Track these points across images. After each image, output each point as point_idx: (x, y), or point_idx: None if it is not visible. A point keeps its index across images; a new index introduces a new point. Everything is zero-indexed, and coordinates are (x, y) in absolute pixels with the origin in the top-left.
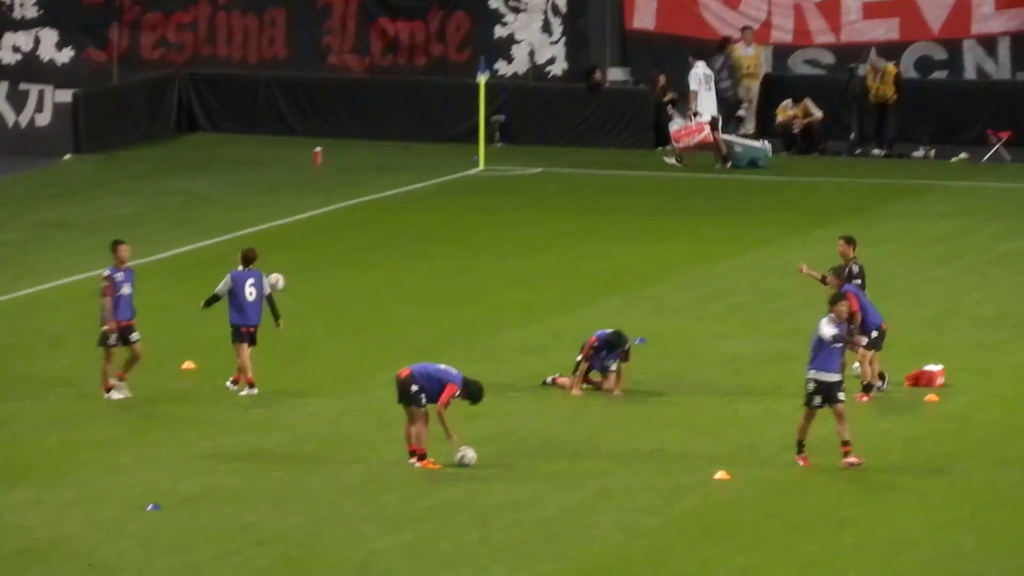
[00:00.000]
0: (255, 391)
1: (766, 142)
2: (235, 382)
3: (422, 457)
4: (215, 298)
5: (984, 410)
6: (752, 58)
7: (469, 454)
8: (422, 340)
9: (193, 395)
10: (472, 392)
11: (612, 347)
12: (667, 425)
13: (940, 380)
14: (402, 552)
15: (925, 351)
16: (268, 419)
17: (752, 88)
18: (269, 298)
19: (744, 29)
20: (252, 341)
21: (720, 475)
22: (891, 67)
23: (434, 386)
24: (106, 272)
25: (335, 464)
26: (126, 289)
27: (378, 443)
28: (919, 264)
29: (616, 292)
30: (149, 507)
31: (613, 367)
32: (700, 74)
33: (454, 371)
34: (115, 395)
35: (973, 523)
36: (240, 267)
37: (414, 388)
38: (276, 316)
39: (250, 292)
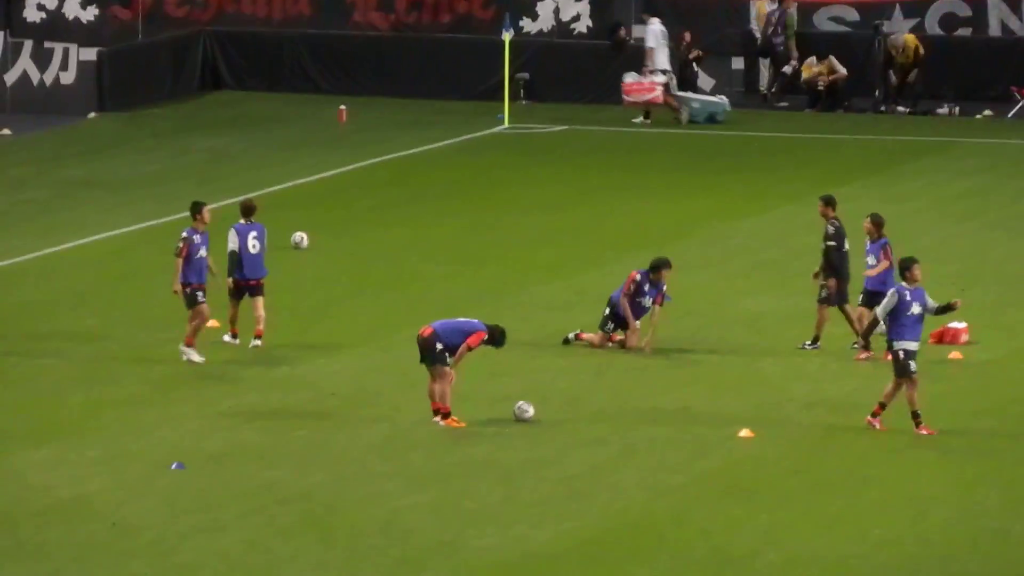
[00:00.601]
0: (236, 341)
1: (723, 96)
2: (257, 336)
3: (446, 415)
4: (234, 255)
5: (1007, 367)
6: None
7: (528, 409)
8: (447, 297)
9: (217, 353)
10: (495, 337)
11: (656, 269)
12: (691, 383)
13: (964, 337)
14: (426, 510)
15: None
16: (292, 377)
17: None
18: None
19: None
20: (258, 292)
21: (744, 433)
22: (910, 39)
23: (459, 340)
24: (184, 233)
25: (359, 422)
26: (203, 251)
27: (402, 401)
28: (943, 220)
29: (641, 249)
30: (173, 465)
31: (645, 308)
32: (657, 30)
33: (475, 321)
34: (195, 356)
35: (997, 480)
36: (241, 220)
37: (439, 346)
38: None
39: (253, 245)
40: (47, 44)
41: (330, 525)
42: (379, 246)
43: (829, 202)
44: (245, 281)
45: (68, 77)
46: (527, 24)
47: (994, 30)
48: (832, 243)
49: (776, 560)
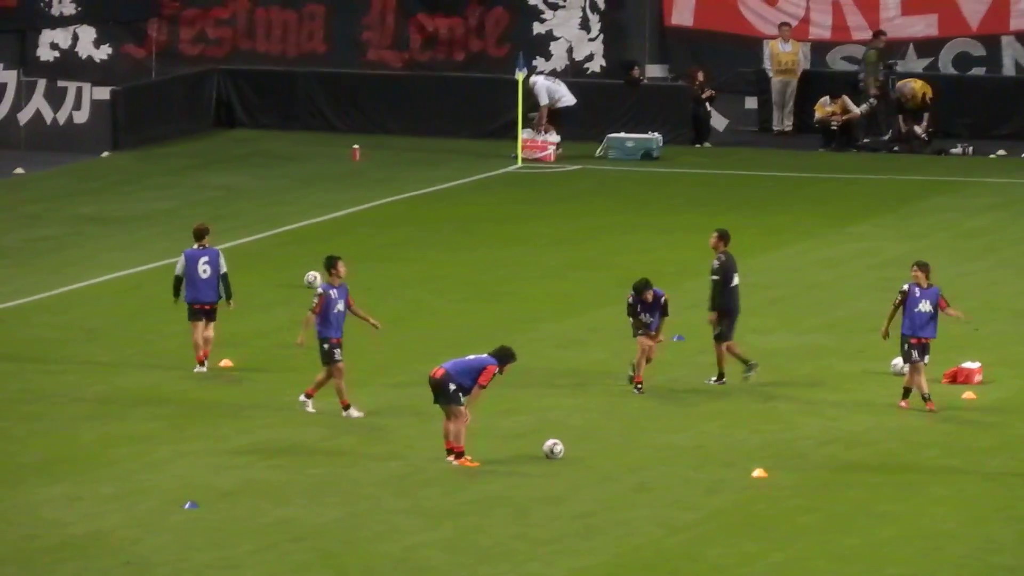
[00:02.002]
0: (204, 369)
1: (656, 133)
2: (200, 361)
3: (460, 455)
4: (178, 280)
5: (1020, 404)
6: (790, 55)
7: (558, 447)
8: (459, 333)
9: (230, 390)
10: (506, 359)
11: (639, 292)
12: (704, 420)
13: (978, 377)
14: (440, 547)
15: (963, 345)
16: (305, 413)
17: (790, 84)
18: (223, 276)
19: (782, 26)
20: (211, 317)
21: (758, 473)
22: (918, 87)
23: (470, 380)
24: (320, 288)
25: (372, 458)
26: (340, 306)
27: (415, 437)
28: (957, 258)
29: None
30: (186, 505)
31: (655, 324)
32: (548, 87)
33: (484, 356)
34: (354, 413)
35: (1011, 517)
36: (194, 245)
37: (452, 387)
38: (228, 295)
39: (203, 270)
40: (60, 83)
41: (344, 562)
42: (392, 282)
43: (723, 236)
44: (200, 305)
45: (81, 116)
46: (540, 63)
47: (1008, 69)
48: (716, 277)
49: None
